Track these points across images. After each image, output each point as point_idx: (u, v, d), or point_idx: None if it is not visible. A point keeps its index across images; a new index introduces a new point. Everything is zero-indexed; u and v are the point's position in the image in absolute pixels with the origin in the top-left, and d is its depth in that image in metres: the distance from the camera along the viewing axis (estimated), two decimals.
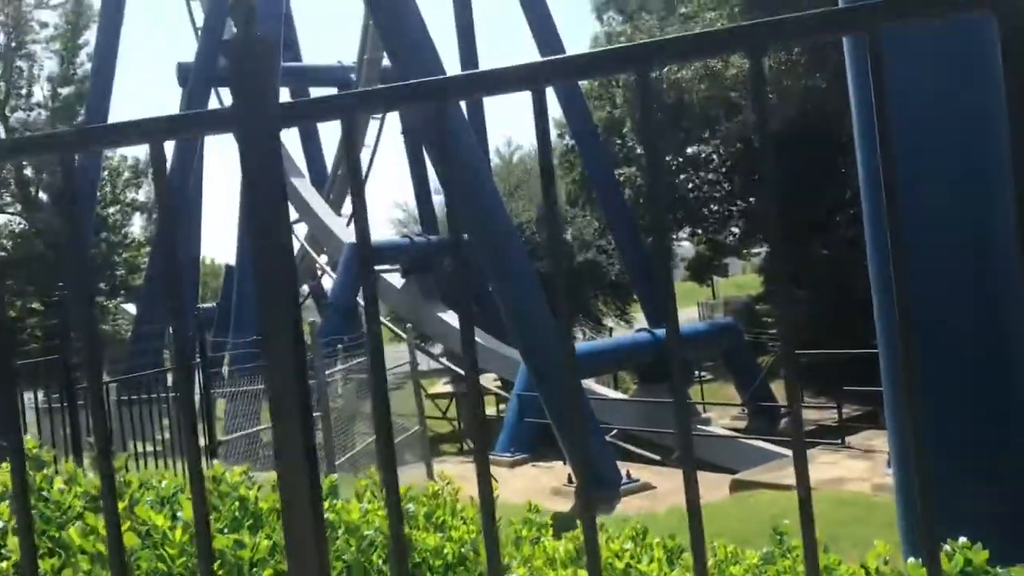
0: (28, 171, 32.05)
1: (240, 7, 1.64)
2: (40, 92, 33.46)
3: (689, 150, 31.77)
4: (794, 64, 21.70)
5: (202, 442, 11.96)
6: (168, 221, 1.70)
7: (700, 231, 33.22)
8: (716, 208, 32.30)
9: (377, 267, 24.96)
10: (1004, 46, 1.22)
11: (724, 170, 31.08)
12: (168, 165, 1.70)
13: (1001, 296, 4.97)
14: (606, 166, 27.83)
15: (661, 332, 21.56)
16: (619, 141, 32.50)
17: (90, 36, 31.42)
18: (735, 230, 32.91)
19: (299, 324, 1.63)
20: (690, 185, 31.62)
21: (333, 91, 35.13)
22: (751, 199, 29.67)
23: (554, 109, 28.56)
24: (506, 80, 1.41)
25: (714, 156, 31.24)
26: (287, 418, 1.58)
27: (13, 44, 31.74)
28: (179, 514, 2.62)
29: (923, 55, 4.78)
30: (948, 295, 4.99)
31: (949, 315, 4.97)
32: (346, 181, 32.35)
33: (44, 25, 32.28)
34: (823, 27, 1.38)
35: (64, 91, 33.32)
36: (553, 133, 38.02)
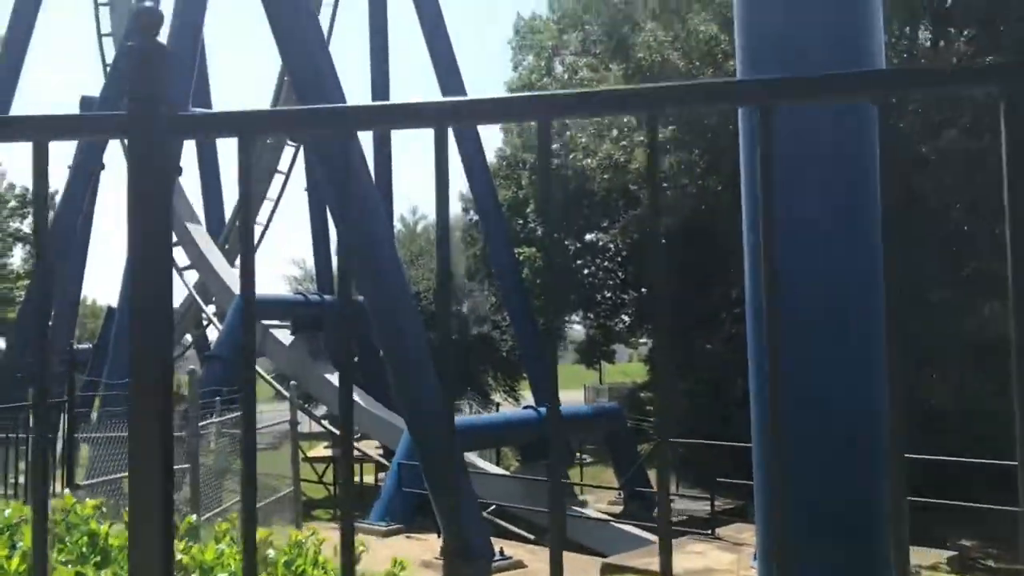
0: None
1: (143, 14, 1.63)
2: None
3: (588, 236, 32.56)
4: (692, 164, 22.61)
5: (59, 487, 11.32)
6: (43, 225, 1.65)
7: (592, 316, 33.83)
8: (609, 295, 33.06)
9: (266, 321, 24.44)
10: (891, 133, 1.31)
11: (620, 259, 31.90)
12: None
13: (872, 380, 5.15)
14: (507, 244, 28.15)
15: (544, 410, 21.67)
16: (521, 221, 33.05)
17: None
18: (625, 318, 33.65)
19: (167, 355, 1.58)
20: (586, 271, 32.31)
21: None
22: (643, 289, 30.46)
23: (460, 182, 28.86)
24: (409, 115, 1.43)
25: (611, 245, 32.04)
26: (146, 458, 1.53)
27: None
28: (19, 544, 2.48)
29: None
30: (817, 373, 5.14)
31: (820, 398, 5.13)
32: None
33: None
34: (717, 97, 1.46)
35: None
36: (457, 206, 38.38)
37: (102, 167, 23.95)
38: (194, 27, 21.55)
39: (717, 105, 1.49)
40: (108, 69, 28.39)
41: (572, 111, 1.54)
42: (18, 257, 35.65)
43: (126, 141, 1.62)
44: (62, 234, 21.93)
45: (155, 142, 1.55)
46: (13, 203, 34.84)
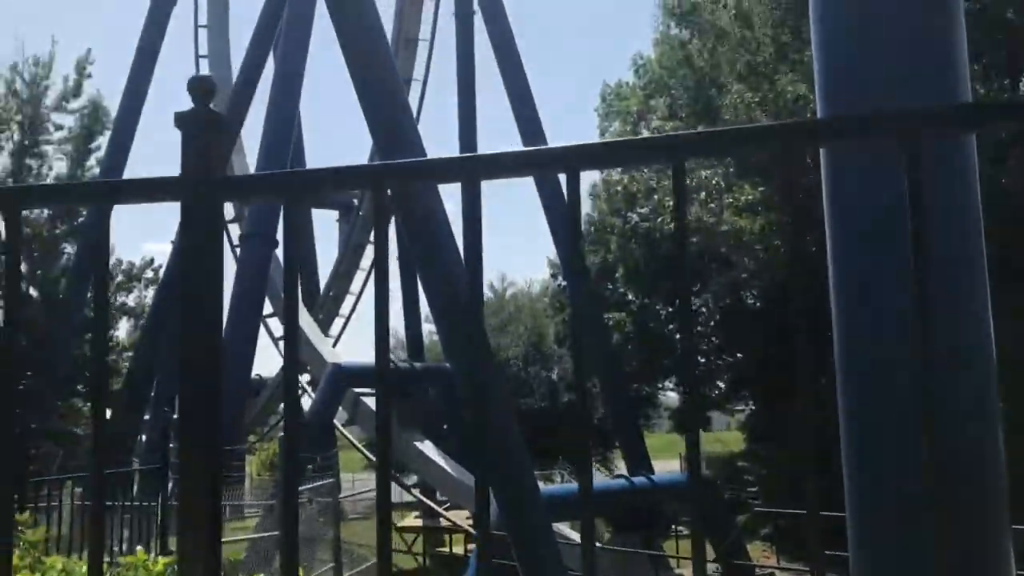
0: (23, 266, 32.16)
1: (196, 83, 1.66)
2: None
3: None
4: (783, 225, 22.14)
5: (154, 554, 11.51)
6: (101, 290, 1.67)
7: (691, 386, 33.14)
8: (703, 361, 32.42)
9: (357, 389, 24.77)
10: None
11: (713, 324, 31.34)
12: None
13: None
14: (596, 309, 28.04)
15: (639, 480, 21.20)
16: (610, 286, 32.90)
17: (102, 141, 32.18)
18: (720, 384, 32.90)
19: (216, 415, 1.56)
20: (679, 336, 31.82)
21: (335, 213, 35.76)
22: (738, 354, 29.79)
23: (549, 248, 29.01)
24: (435, 170, 1.41)
25: (703, 309, 31.55)
26: (195, 529, 1.50)
27: (26, 142, 32.42)
28: None
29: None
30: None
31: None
32: (336, 301, 32.50)
33: (59, 127, 33.07)
34: (747, 141, 1.39)
35: None
36: (546, 272, 38.49)
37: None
38: (292, 91, 22.54)
39: (744, 150, 1.43)
40: None
41: (600, 162, 1.49)
42: (123, 330, 37.14)
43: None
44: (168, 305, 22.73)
45: (205, 205, 1.56)
46: (120, 278, 36.44)
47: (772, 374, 21.94)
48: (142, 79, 28.39)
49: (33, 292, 33.53)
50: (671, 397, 39.03)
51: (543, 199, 26.02)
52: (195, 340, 1.57)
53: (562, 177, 1.40)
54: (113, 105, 31.37)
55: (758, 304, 28.12)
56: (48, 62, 32.94)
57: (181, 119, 1.61)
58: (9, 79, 32.38)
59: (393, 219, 29.62)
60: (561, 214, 25.65)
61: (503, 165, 1.46)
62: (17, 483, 10.22)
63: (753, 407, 31.68)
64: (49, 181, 34.11)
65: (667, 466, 36.43)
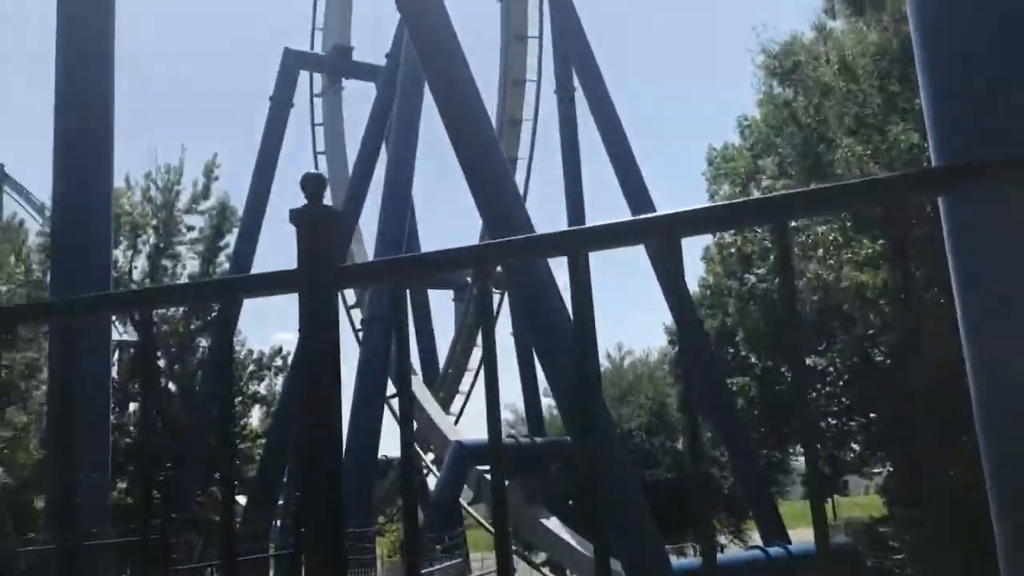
0: (160, 361, 33.87)
1: (309, 181, 1.78)
2: None
3: (806, 361, 31.12)
4: (902, 282, 21.33)
5: None
6: (227, 378, 1.78)
7: (819, 446, 31.87)
8: (834, 423, 31.16)
9: (481, 467, 24.80)
10: None
11: (841, 383, 30.20)
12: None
13: None
14: (718, 374, 27.43)
15: (775, 551, 20.36)
16: (731, 350, 32.20)
17: (230, 239, 33.93)
18: (855, 447, 31.48)
19: (337, 497, 1.62)
20: (797, 401, 30.72)
21: (451, 292, 36.42)
22: (871, 415, 28.52)
23: (666, 315, 28.73)
24: (533, 246, 1.47)
25: (831, 369, 30.47)
26: None
27: (161, 244, 34.51)
28: None
29: None
30: None
31: None
32: (455, 379, 32.88)
33: (190, 228, 35.09)
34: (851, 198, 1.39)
35: None
36: (664, 339, 37.99)
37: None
38: (405, 181, 23.34)
39: (851, 207, 1.43)
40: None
41: (702, 227, 1.52)
42: (256, 417, 38.43)
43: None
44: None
45: (320, 294, 1.66)
46: (252, 367, 37.89)
47: (908, 434, 20.91)
48: (265, 176, 29.98)
49: (172, 386, 35.22)
50: (803, 462, 37.57)
51: (655, 266, 25.90)
52: (314, 424, 1.65)
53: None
54: (239, 202, 33.09)
55: (888, 361, 26.99)
56: (179, 168, 35.18)
57: (295, 215, 1.72)
58: (144, 187, 34.70)
59: (507, 293, 29.99)
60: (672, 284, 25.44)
61: (605, 237, 1.50)
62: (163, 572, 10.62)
63: (891, 469, 30.15)
64: (182, 279, 36.11)
65: (804, 535, 34.85)
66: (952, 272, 5.35)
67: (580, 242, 1.53)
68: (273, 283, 1.76)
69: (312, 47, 35.10)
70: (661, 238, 1.49)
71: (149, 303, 1.81)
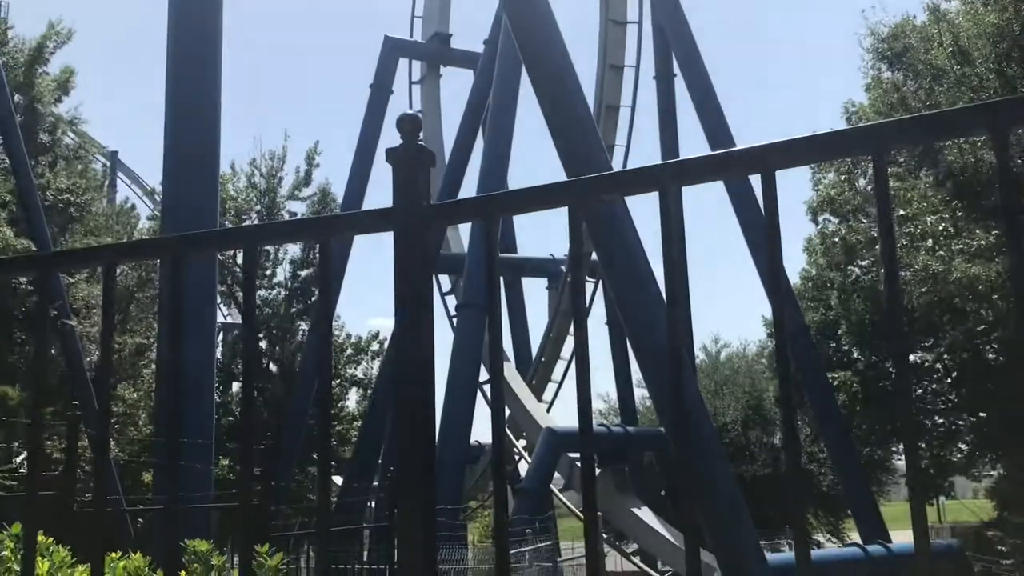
0: (263, 343, 34.95)
1: (405, 121, 1.78)
2: (282, 273, 36.96)
3: (912, 357, 30.06)
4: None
5: None
6: (326, 310, 1.79)
7: (923, 445, 30.76)
8: (941, 421, 30.00)
9: (572, 455, 24.78)
10: None
11: (950, 380, 29.06)
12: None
13: None
14: (819, 368, 26.69)
15: (875, 549, 19.77)
16: (833, 344, 31.32)
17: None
18: (963, 447, 30.25)
19: (431, 443, 1.61)
20: (913, 395, 29.69)
21: (544, 281, 36.44)
22: (981, 414, 27.35)
23: (762, 307, 28.10)
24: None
25: (938, 365, 29.35)
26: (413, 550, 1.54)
27: None
28: None
29: None
30: None
31: None
32: (548, 367, 32.91)
33: (293, 214, 36.02)
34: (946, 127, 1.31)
35: (303, 273, 36.65)
36: (761, 332, 37.07)
37: None
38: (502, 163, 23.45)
39: (951, 134, 1.34)
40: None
41: (796, 158, 1.45)
42: (352, 400, 39.27)
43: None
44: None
45: (416, 231, 1.65)
46: (349, 351, 38.71)
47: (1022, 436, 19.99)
48: (364, 162, 30.49)
49: (272, 367, 36.29)
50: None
51: (756, 260, 25.26)
52: (410, 354, 1.64)
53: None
54: (340, 189, 33.77)
55: (1000, 358, 25.80)
56: (282, 155, 36.14)
57: (391, 153, 1.72)
58: (249, 173, 35.77)
59: (600, 282, 29.79)
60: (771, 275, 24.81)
61: (694, 171, 1.45)
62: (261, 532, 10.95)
63: (1002, 472, 28.87)
64: (283, 264, 37.13)
65: (906, 537, 33.69)
66: None
67: (670, 176, 1.48)
68: (370, 220, 1.77)
69: (411, 35, 35.50)
70: (758, 171, 1.43)
71: (253, 238, 1.84)
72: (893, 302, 1.48)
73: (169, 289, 1.99)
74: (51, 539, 3.59)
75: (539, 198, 1.60)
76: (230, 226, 32.22)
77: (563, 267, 32.40)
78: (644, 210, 16.57)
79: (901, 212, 21.84)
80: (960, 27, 22.33)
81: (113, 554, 3.55)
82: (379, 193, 45.92)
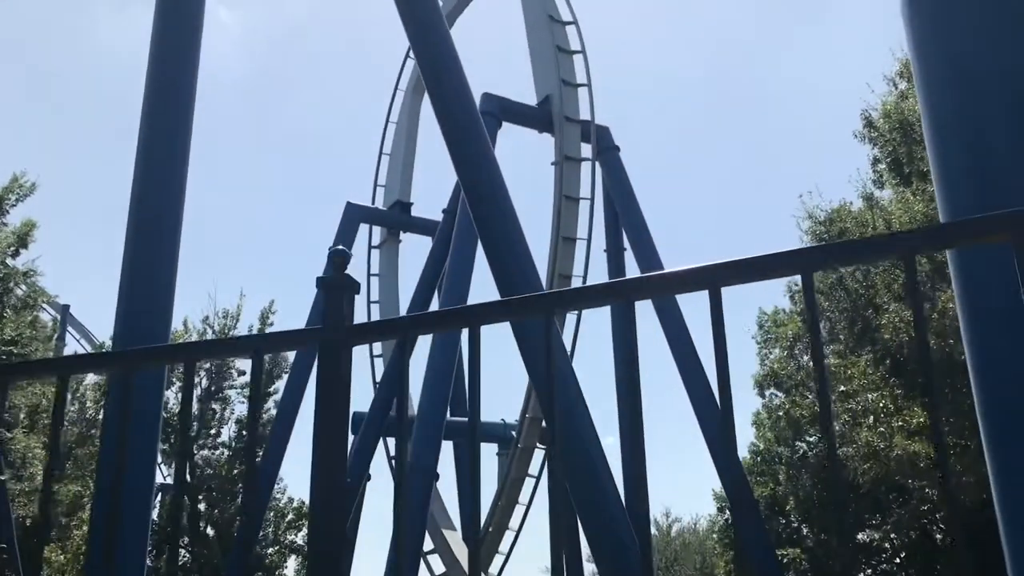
0: (201, 505, 33.82)
1: (335, 255, 1.99)
2: (226, 433, 36.28)
3: (860, 536, 29.93)
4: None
5: None
6: (252, 432, 1.93)
7: None
8: None
9: None
10: None
11: (898, 561, 28.85)
12: None
13: None
14: (767, 545, 26.41)
15: None
16: (782, 520, 31.13)
17: (280, 385, 34.43)
18: None
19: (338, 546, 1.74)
20: None
21: (494, 446, 36.10)
22: None
23: (712, 481, 28.02)
24: (593, 295, 1.63)
25: (886, 545, 29.21)
26: None
27: (212, 388, 35.18)
28: None
29: None
30: None
31: None
32: (496, 537, 32.08)
33: (242, 373, 35.78)
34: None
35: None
36: (713, 506, 36.82)
37: None
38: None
39: (866, 260, 1.58)
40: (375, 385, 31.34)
41: (742, 276, 1.66)
42: (291, 568, 37.75)
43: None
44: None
45: (340, 350, 1.83)
46: (291, 516, 37.58)
47: None
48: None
49: (210, 531, 34.97)
50: None
51: (705, 433, 25.38)
52: (324, 480, 1.78)
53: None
54: (292, 352, 33.72)
55: (949, 540, 25.80)
56: (235, 313, 36.27)
57: (321, 282, 1.92)
58: (201, 331, 35.73)
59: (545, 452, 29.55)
60: (722, 450, 24.93)
61: (650, 287, 1.66)
62: None
63: None
64: (230, 423, 36.50)
65: None
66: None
67: (630, 291, 1.68)
68: (299, 339, 1.94)
69: (373, 202, 36.56)
70: (705, 288, 1.64)
71: (193, 353, 2.00)
72: (826, 428, 1.66)
73: (116, 413, 2.11)
74: None
75: (447, 318, 1.79)
76: (176, 384, 31.75)
77: (513, 432, 32.28)
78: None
79: (843, 388, 22.39)
80: (892, 214, 23.70)
81: None
82: None
